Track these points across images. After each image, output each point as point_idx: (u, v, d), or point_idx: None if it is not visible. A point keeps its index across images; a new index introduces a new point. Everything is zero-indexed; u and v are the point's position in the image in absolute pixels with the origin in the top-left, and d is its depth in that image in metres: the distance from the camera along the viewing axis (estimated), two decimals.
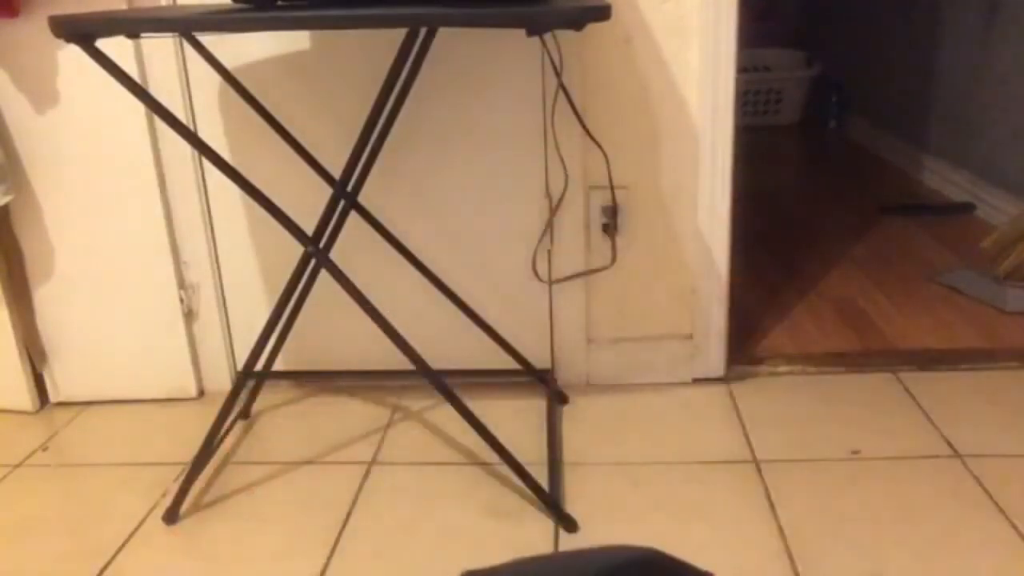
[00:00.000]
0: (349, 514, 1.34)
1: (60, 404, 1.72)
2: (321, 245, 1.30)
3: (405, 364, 1.33)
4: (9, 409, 1.70)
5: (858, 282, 2.08)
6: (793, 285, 2.09)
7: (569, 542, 1.26)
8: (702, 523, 1.28)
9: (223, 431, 1.56)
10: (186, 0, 1.50)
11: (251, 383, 1.63)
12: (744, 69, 3.67)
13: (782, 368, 1.71)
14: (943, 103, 2.77)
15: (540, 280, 1.64)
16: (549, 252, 1.62)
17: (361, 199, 1.52)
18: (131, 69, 1.52)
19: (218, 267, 1.67)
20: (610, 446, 1.48)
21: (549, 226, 1.60)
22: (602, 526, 1.29)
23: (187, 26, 1.17)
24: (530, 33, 1.09)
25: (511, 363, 1.65)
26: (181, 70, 1.55)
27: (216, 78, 1.54)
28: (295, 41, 1.53)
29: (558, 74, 1.49)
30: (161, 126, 1.56)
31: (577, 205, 1.58)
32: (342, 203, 1.41)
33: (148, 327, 1.66)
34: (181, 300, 1.65)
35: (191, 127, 1.57)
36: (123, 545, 1.30)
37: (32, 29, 1.49)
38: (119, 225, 1.60)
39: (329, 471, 1.45)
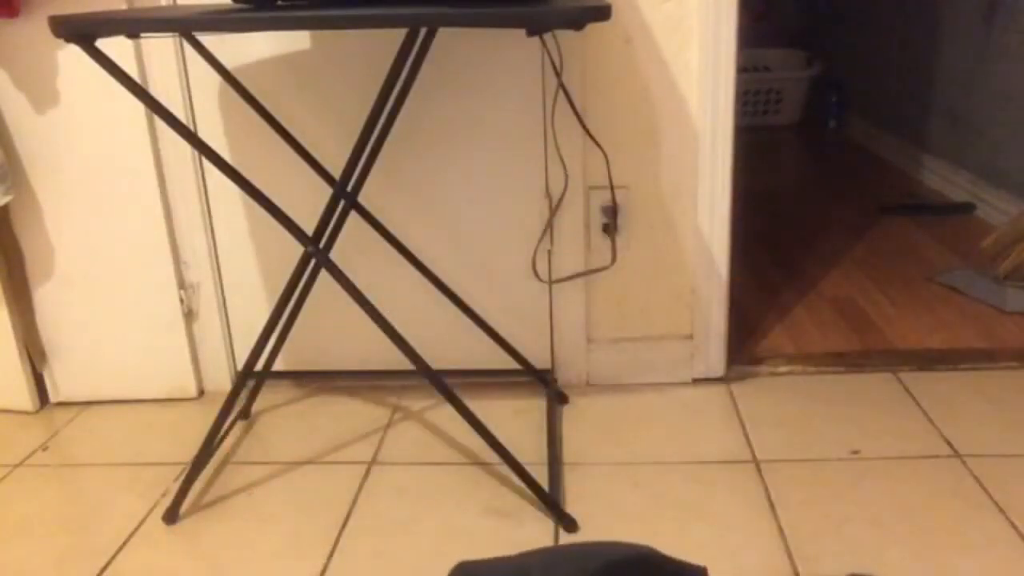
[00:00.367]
0: (349, 514, 1.34)
1: (60, 404, 1.72)
2: (321, 245, 1.30)
3: (405, 364, 1.33)
4: (9, 409, 1.70)
5: (858, 282, 2.08)
6: (793, 285, 2.09)
7: (569, 542, 1.26)
8: (702, 523, 1.28)
9: (223, 431, 1.56)
10: (186, 0, 1.50)
11: (251, 383, 1.63)
12: (744, 69, 3.67)
13: (782, 368, 1.71)
14: (943, 103, 2.77)
15: (540, 280, 1.64)
16: (549, 252, 1.62)
17: (361, 199, 1.52)
18: (131, 69, 1.52)
19: (218, 267, 1.67)
20: (610, 446, 1.48)
21: (549, 226, 1.60)
22: (602, 526, 1.29)
23: (187, 26, 1.17)
24: (530, 33, 1.09)
25: (511, 363, 1.65)
26: (181, 70, 1.55)
27: (216, 78, 1.54)
28: (295, 41, 1.53)
29: (558, 74, 1.49)
30: (161, 126, 1.56)
31: (577, 205, 1.58)
32: (342, 203, 1.41)
33: (148, 327, 1.66)
34: (181, 300, 1.65)
35: (191, 127, 1.57)
36: (123, 545, 1.30)
37: (32, 29, 1.49)
38: (119, 225, 1.60)
39: (329, 471, 1.45)
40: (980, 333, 1.79)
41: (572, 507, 1.33)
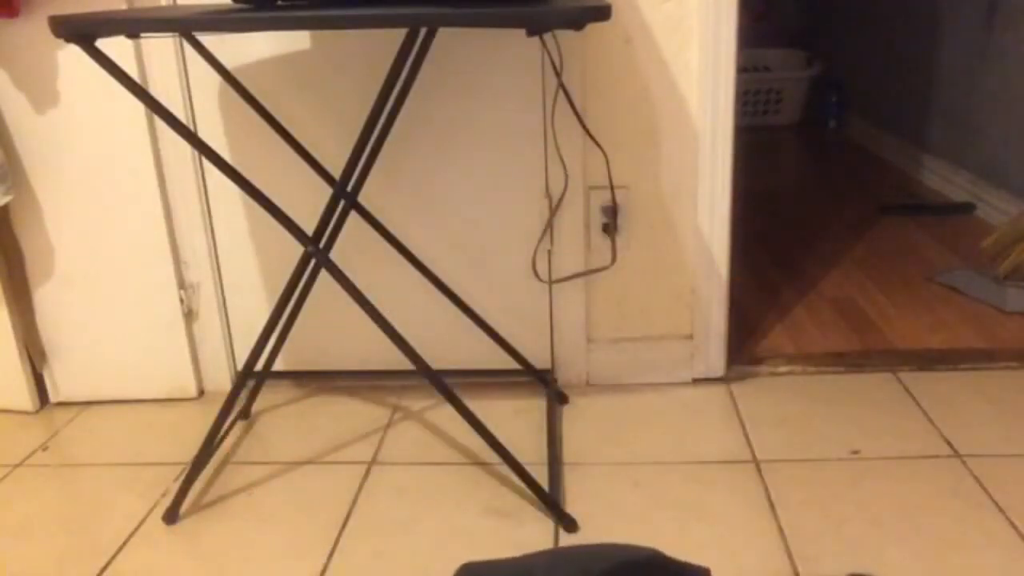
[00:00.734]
0: (349, 514, 1.34)
1: (60, 404, 1.72)
2: (321, 245, 1.30)
3: (405, 364, 1.33)
4: (9, 409, 1.70)
5: (858, 282, 2.08)
6: (793, 285, 2.09)
7: (569, 542, 1.26)
8: (702, 523, 1.28)
9: (223, 431, 1.56)
10: (186, 0, 1.50)
11: (251, 383, 1.63)
12: (744, 69, 3.67)
13: (782, 368, 1.71)
14: (943, 103, 2.77)
15: (540, 280, 1.64)
16: (549, 252, 1.62)
17: (361, 199, 1.52)
18: (131, 69, 1.52)
19: (218, 267, 1.67)
20: (610, 446, 1.48)
21: (549, 226, 1.60)
22: (602, 526, 1.29)
23: (187, 26, 1.17)
24: (530, 33, 1.09)
25: (511, 363, 1.65)
26: (181, 70, 1.55)
27: (216, 78, 1.54)
28: (295, 41, 1.53)
29: (558, 74, 1.49)
30: (161, 126, 1.56)
31: (577, 205, 1.58)
32: (342, 203, 1.41)
33: (148, 327, 1.66)
34: (181, 300, 1.65)
35: (191, 127, 1.57)
36: (123, 545, 1.30)
37: (32, 29, 1.49)
38: (119, 225, 1.60)
39: (329, 471, 1.45)
40: (980, 333, 1.79)
41: (572, 507, 1.33)
